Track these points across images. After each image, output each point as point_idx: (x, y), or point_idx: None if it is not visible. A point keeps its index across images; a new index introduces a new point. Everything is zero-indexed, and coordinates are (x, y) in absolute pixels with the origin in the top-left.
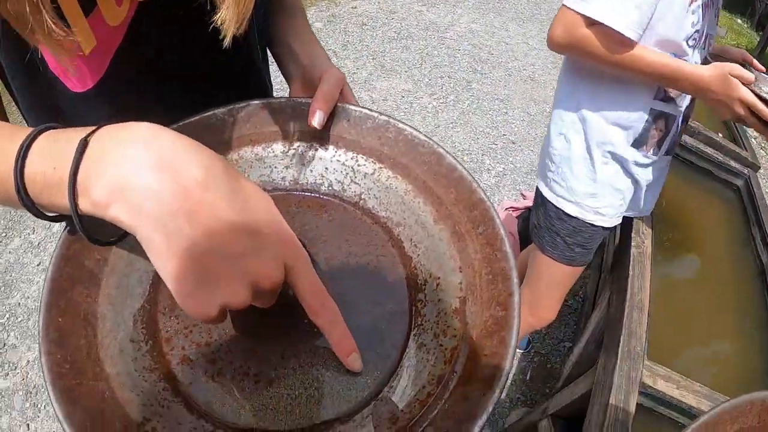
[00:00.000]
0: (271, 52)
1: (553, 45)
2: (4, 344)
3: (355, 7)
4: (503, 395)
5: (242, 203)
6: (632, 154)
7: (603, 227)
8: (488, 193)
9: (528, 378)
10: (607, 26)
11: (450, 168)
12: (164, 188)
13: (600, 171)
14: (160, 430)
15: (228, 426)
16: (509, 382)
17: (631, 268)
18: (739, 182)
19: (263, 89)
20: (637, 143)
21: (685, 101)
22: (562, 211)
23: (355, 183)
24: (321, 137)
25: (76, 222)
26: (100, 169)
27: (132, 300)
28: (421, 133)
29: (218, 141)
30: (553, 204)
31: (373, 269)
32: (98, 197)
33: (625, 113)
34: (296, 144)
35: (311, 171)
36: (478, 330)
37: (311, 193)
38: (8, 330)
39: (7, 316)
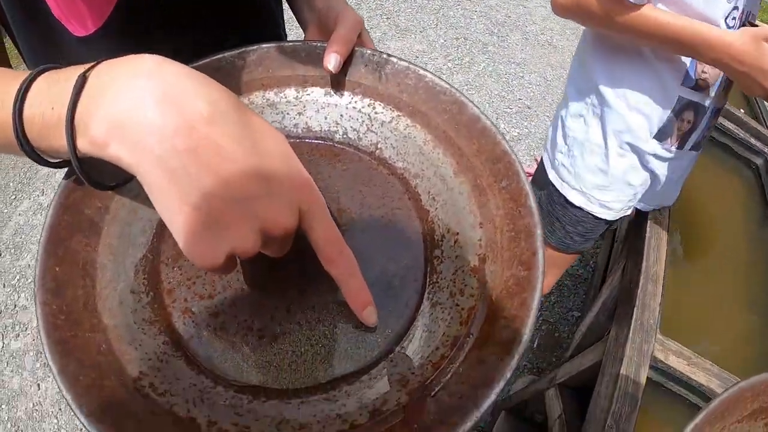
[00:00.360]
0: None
1: (556, 7)
2: (15, 305)
3: None
4: None
5: (252, 141)
6: (653, 147)
7: (607, 220)
8: None
9: (535, 346)
10: None
11: (473, 118)
12: (167, 123)
13: (614, 164)
14: (158, 385)
15: (229, 382)
16: None
17: (647, 239)
18: (759, 161)
19: (276, 33)
20: (660, 134)
21: (715, 89)
22: (565, 198)
23: (372, 131)
24: (336, 83)
25: (75, 164)
26: (99, 106)
27: (134, 249)
28: (443, 80)
29: (228, 85)
30: (556, 188)
31: (387, 222)
32: (97, 135)
33: (648, 98)
34: (310, 89)
35: (326, 118)
36: (497, 290)
37: (325, 141)
38: (19, 291)
39: (18, 277)
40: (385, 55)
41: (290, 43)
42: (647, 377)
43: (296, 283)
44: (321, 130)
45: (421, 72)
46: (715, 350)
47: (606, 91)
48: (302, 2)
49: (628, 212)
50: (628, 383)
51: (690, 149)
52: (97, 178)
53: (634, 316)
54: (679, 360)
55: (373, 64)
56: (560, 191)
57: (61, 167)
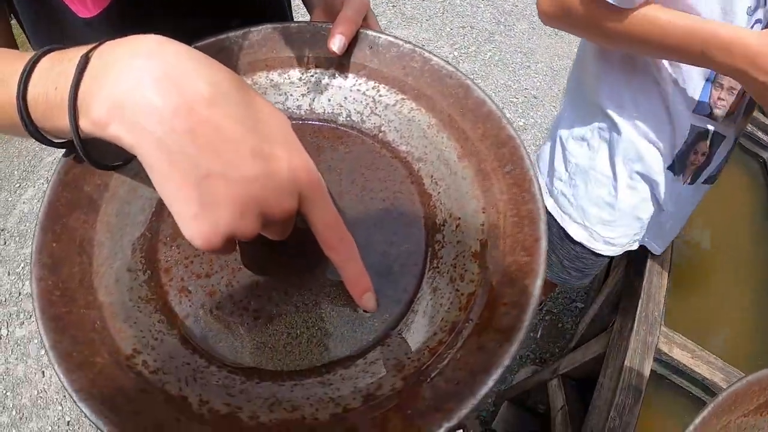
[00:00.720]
0: None
1: (542, 15)
2: (20, 293)
3: None
4: None
5: (254, 122)
6: (665, 179)
7: (610, 257)
8: None
9: (539, 336)
10: None
11: (478, 102)
12: (166, 104)
13: (623, 197)
14: (151, 363)
15: (223, 362)
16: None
17: None
18: (766, 155)
19: (282, 14)
20: (674, 168)
21: (738, 117)
22: (565, 231)
23: (376, 114)
24: (341, 64)
25: (77, 144)
26: (101, 86)
27: (132, 228)
28: (449, 63)
29: (231, 65)
30: (555, 219)
31: (389, 206)
32: (98, 115)
33: (658, 125)
34: (314, 71)
35: (329, 100)
36: (498, 276)
37: (328, 123)
38: (23, 279)
39: (23, 265)
40: (391, 38)
41: (295, 24)
42: (651, 369)
43: (295, 266)
44: (324, 112)
45: (427, 55)
46: (719, 344)
47: (614, 115)
48: None
49: (634, 247)
50: (631, 375)
51: (704, 182)
52: (99, 158)
53: (639, 308)
54: (683, 353)
55: (378, 47)
56: (560, 223)
57: (65, 147)
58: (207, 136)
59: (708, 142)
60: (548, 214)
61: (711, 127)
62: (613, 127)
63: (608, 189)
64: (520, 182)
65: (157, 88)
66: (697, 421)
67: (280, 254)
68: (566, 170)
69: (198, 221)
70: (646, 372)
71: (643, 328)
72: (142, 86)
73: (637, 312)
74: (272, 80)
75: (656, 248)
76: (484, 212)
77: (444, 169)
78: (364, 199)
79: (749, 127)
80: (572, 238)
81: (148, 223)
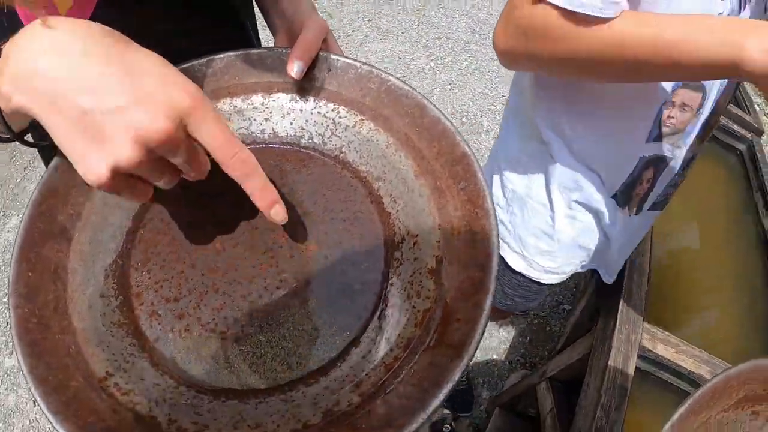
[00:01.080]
0: (257, 4)
1: (503, 56)
2: (8, 323)
3: None
4: (503, 358)
5: (121, 57)
6: (608, 209)
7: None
8: (485, 154)
9: (527, 341)
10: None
11: (433, 121)
12: (50, 66)
13: (561, 227)
14: (123, 385)
15: (190, 383)
16: (508, 345)
17: None
18: (742, 147)
19: (247, 41)
20: (618, 199)
21: (688, 138)
22: (505, 261)
23: (336, 136)
24: (302, 88)
25: (1, 121)
26: (6, 64)
27: (104, 255)
28: (405, 83)
29: None
30: None
31: (349, 226)
32: (4, 90)
33: (600, 153)
34: (276, 95)
35: (291, 123)
36: (453, 292)
37: (291, 146)
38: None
39: None
40: (349, 60)
41: (256, 51)
42: (636, 367)
43: (219, 205)
44: (287, 136)
45: (384, 76)
46: (704, 338)
47: (550, 140)
48: (272, 8)
49: (582, 270)
50: (616, 374)
51: (650, 209)
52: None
53: (620, 307)
54: (666, 348)
55: (337, 69)
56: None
57: (32, 146)
58: (81, 81)
59: (653, 169)
60: None
61: (660, 153)
62: (549, 152)
63: (545, 219)
64: (474, 198)
65: (45, 56)
66: (675, 417)
67: (202, 196)
68: (504, 196)
69: (85, 160)
70: (631, 370)
71: (626, 326)
72: (32, 59)
73: (619, 311)
74: (236, 106)
75: (607, 278)
76: (439, 229)
77: (402, 187)
78: (325, 219)
79: (724, 120)
80: (512, 267)
81: (120, 250)
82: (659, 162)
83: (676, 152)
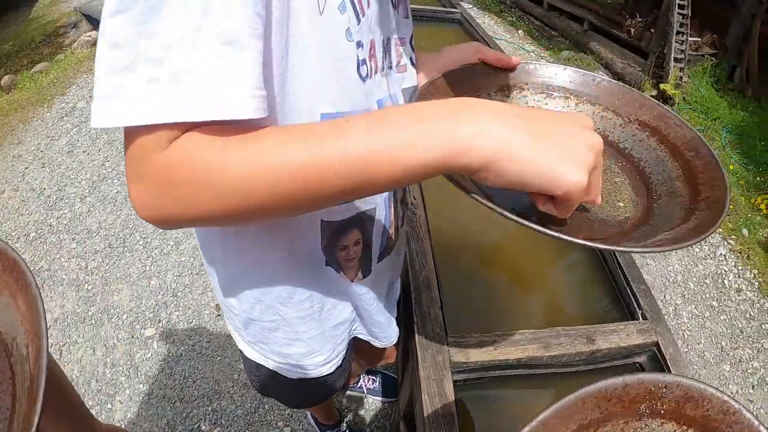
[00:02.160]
0: None
1: (159, 222)
2: None
3: None
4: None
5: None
6: (324, 287)
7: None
8: None
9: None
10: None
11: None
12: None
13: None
14: None
15: None
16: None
17: (408, 246)
18: None
19: None
20: (335, 267)
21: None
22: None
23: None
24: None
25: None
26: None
27: None
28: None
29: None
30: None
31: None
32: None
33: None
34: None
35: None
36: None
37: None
38: None
39: None
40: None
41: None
42: (463, 380)
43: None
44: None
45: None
46: (515, 319)
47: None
48: None
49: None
50: (435, 404)
51: (378, 261)
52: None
53: (416, 330)
54: (483, 350)
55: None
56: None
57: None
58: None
59: (359, 230)
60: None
61: (355, 212)
62: (225, 258)
63: (283, 332)
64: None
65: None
66: None
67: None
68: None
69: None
70: (450, 394)
71: (429, 351)
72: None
73: (415, 336)
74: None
75: (383, 338)
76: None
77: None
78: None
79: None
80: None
81: None
82: (360, 221)
83: (376, 202)
